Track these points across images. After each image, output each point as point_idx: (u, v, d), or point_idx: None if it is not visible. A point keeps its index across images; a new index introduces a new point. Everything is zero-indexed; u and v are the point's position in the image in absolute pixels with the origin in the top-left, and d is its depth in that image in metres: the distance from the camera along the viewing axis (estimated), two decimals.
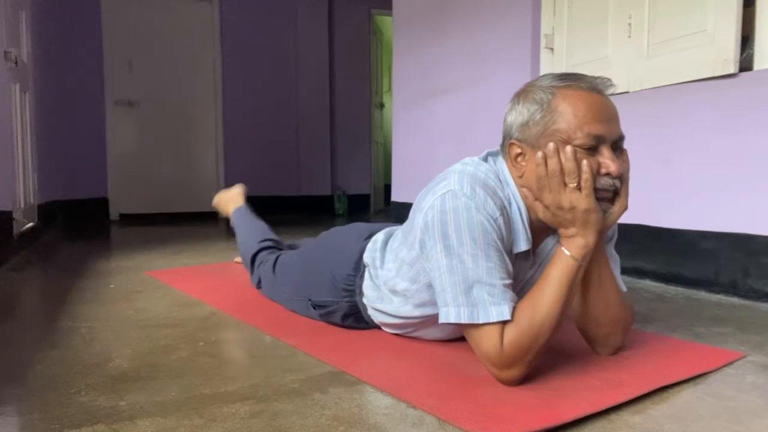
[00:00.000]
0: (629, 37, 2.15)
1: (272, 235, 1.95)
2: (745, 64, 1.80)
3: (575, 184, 0.98)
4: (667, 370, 1.07)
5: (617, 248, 1.21)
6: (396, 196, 3.88)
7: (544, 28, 2.56)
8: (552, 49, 2.54)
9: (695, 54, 1.90)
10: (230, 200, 2.27)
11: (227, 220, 2.23)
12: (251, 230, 2.00)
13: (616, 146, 1.02)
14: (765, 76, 1.73)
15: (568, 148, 0.98)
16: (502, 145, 1.11)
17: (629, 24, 2.15)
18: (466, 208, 0.99)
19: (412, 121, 3.67)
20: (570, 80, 1.02)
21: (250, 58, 5.55)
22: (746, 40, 1.80)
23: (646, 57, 2.09)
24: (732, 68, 1.79)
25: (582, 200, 0.98)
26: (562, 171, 0.98)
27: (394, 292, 1.22)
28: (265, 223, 2.03)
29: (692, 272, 1.93)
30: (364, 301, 1.31)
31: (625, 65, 2.16)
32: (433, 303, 1.12)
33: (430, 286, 1.10)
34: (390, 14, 4.05)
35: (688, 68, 1.92)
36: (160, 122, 5.24)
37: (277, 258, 1.74)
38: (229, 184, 5.48)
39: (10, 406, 0.95)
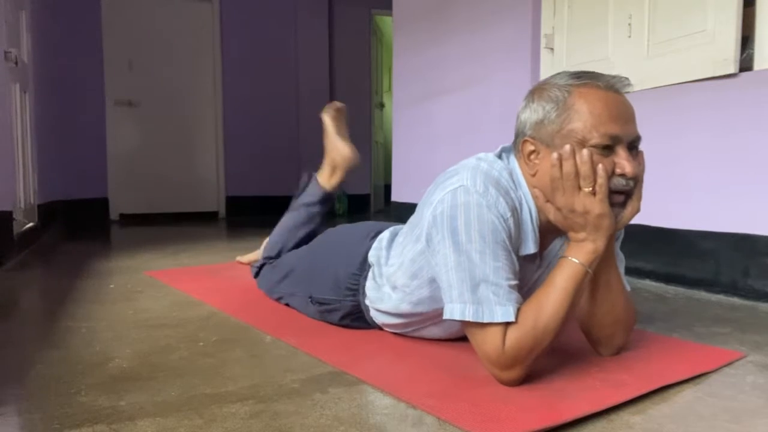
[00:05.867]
0: (629, 37, 2.15)
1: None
2: (745, 64, 1.80)
3: (590, 189, 0.96)
4: (668, 370, 1.07)
5: None
6: (396, 196, 3.88)
7: (544, 28, 2.56)
8: (552, 49, 2.54)
9: (695, 54, 1.90)
10: (337, 147, 1.86)
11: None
12: (291, 232, 1.79)
13: (632, 147, 1.00)
14: (765, 76, 1.73)
15: (585, 152, 0.96)
16: (515, 143, 1.08)
17: (629, 24, 2.15)
18: (478, 206, 0.97)
19: (412, 121, 3.67)
20: (587, 78, 1.00)
21: (250, 58, 5.54)
22: (746, 40, 1.80)
23: (646, 57, 2.09)
24: (732, 68, 1.79)
25: (596, 205, 0.96)
26: (577, 174, 0.97)
27: (394, 287, 1.21)
28: (312, 231, 1.80)
29: (692, 272, 1.93)
30: (367, 302, 1.31)
31: (625, 65, 2.15)
32: (432, 300, 1.12)
33: (431, 281, 1.09)
34: (390, 14, 4.05)
35: (689, 68, 1.92)
36: (160, 122, 5.24)
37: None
38: (229, 184, 5.60)
39: (10, 406, 0.95)
